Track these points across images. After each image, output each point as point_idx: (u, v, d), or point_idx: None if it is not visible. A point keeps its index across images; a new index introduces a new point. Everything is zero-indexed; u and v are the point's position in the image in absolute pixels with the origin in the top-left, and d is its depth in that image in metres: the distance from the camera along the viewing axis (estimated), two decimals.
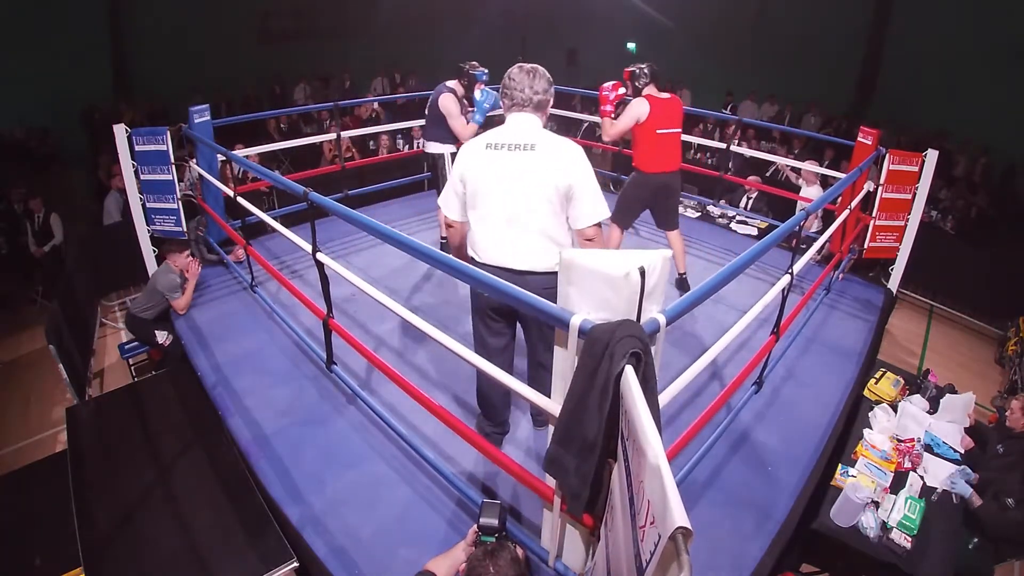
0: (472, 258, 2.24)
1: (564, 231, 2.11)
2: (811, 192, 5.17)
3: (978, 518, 2.65)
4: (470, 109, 3.97)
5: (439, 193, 4.23)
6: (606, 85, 3.71)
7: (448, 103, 3.89)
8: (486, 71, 4.01)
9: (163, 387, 3.19)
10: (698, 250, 4.83)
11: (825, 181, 5.20)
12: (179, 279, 3.66)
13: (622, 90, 3.72)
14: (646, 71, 3.60)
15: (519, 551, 1.52)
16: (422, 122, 6.68)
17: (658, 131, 3.55)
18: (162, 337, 3.70)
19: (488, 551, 1.40)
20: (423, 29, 11.85)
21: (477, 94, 3.90)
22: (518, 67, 2.14)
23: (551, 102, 2.18)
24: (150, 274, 3.93)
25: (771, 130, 8.11)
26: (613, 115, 3.68)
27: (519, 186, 2.03)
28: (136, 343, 4.19)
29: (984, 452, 3.02)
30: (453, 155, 4.16)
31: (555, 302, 1.60)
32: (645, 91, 3.60)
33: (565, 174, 2.01)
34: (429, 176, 5.96)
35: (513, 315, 2.28)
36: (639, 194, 3.79)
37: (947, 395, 3.36)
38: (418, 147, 6.92)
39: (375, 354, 2.63)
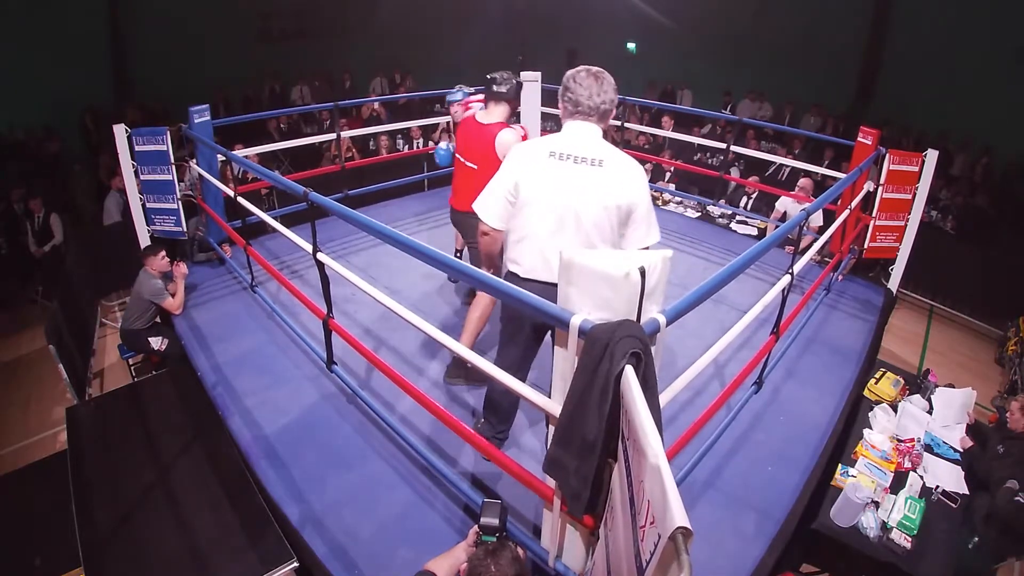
0: (513, 273, 2.10)
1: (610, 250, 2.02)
2: (791, 205, 5.17)
3: (993, 510, 2.66)
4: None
5: None
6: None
7: None
8: (460, 90, 3.74)
9: (163, 387, 3.19)
10: (698, 250, 4.83)
11: (823, 184, 5.20)
12: (161, 283, 3.65)
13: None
14: (488, 79, 2.91)
15: (519, 551, 1.52)
16: (422, 122, 6.75)
17: (457, 155, 3.04)
18: (156, 343, 3.68)
19: (489, 551, 1.40)
20: (423, 29, 11.84)
21: None
22: (585, 70, 1.95)
23: (614, 112, 2.00)
24: None
25: (770, 130, 8.11)
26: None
27: (579, 202, 1.91)
28: None
29: (984, 451, 3.02)
30: None
31: None
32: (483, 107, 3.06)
33: (629, 195, 1.91)
34: (429, 176, 5.98)
35: (545, 329, 2.17)
36: None
37: (944, 388, 3.35)
38: (418, 147, 6.93)
39: (375, 354, 2.63)
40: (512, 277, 2.09)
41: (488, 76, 2.88)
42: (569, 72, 1.98)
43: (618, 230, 1.97)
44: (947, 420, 3.22)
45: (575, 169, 1.91)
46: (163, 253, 3.69)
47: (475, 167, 2.86)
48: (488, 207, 2.07)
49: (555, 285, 1.75)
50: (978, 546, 2.70)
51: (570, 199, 1.92)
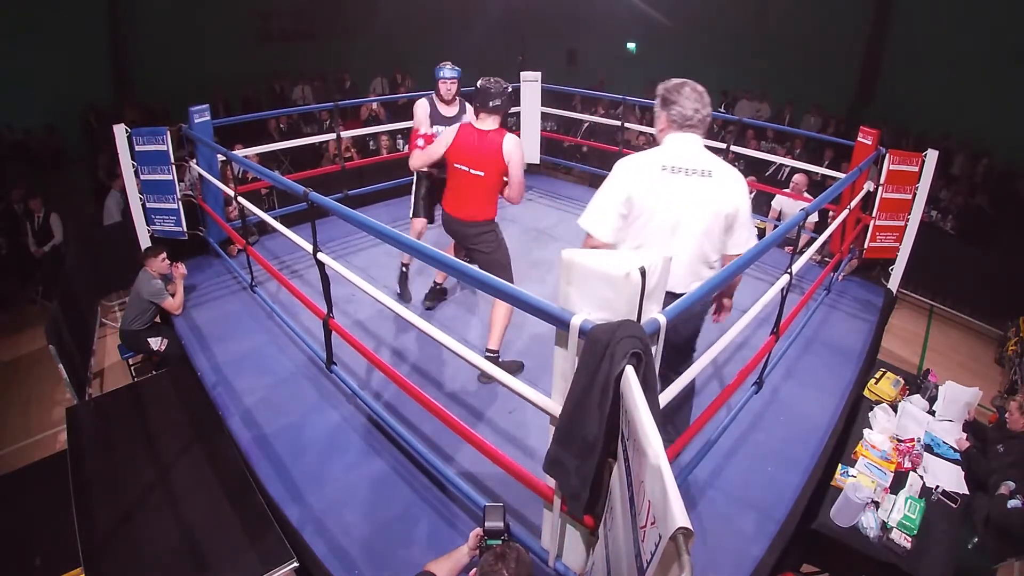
0: None
1: (715, 257, 2.08)
2: (787, 203, 5.17)
3: (1002, 522, 2.66)
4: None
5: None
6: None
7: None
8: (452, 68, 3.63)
9: (163, 387, 3.19)
10: None
11: (823, 184, 5.20)
12: (161, 283, 3.65)
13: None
14: (481, 89, 2.86)
15: (525, 553, 1.52)
16: None
17: (455, 165, 2.96)
18: (156, 343, 3.68)
19: (498, 554, 1.40)
20: (423, 29, 11.85)
21: None
22: (687, 85, 2.04)
23: None
24: None
25: (769, 130, 8.10)
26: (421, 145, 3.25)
27: (694, 212, 1.96)
28: None
29: (984, 451, 3.02)
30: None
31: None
32: (475, 117, 2.96)
33: (735, 202, 1.99)
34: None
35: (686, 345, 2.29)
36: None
37: (949, 383, 3.33)
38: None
39: (375, 354, 2.63)
40: None
41: (482, 86, 2.85)
42: (667, 86, 2.05)
43: (723, 236, 2.03)
44: (949, 415, 3.22)
45: (687, 181, 1.95)
46: (163, 255, 3.69)
47: (482, 174, 2.89)
48: (599, 223, 2.03)
49: (672, 295, 1.88)
50: (978, 546, 2.70)
51: (685, 210, 1.96)
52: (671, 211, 1.96)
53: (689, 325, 2.25)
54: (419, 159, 3.19)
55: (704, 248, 2.02)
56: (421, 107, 3.66)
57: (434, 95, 3.68)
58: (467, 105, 3.67)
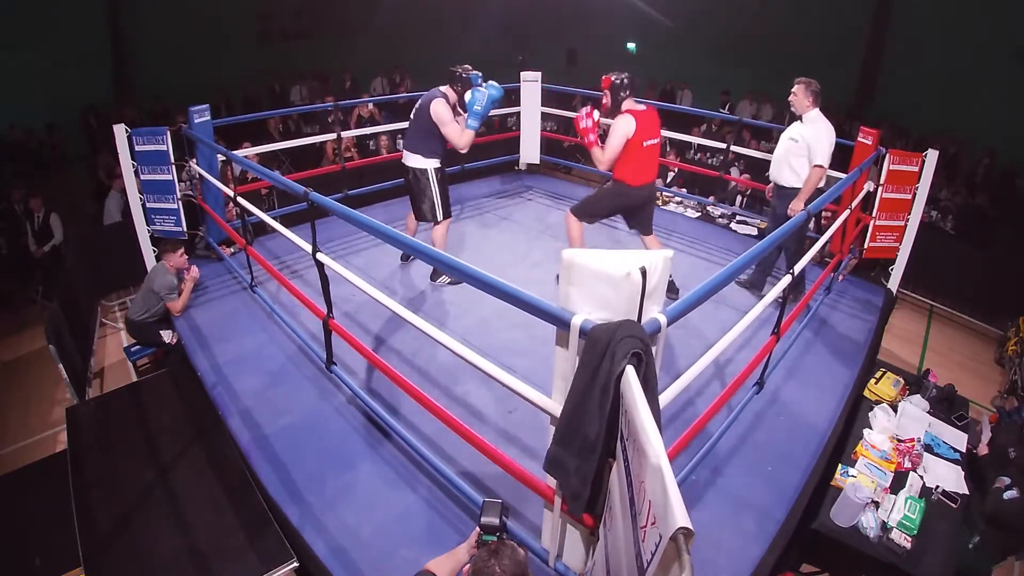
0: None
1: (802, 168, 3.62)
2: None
3: (997, 512, 2.68)
4: (461, 114, 3.72)
5: (422, 214, 3.84)
6: (580, 114, 3.49)
7: (441, 109, 3.58)
8: (480, 74, 3.72)
9: (163, 387, 3.20)
10: (698, 250, 4.83)
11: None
12: (175, 280, 3.65)
13: (597, 114, 3.52)
14: (626, 82, 3.46)
15: (520, 550, 1.52)
16: None
17: (645, 143, 3.48)
18: (167, 336, 3.69)
19: (492, 550, 1.40)
20: (423, 29, 11.86)
21: (468, 96, 3.60)
22: (810, 80, 3.75)
23: None
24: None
25: (771, 130, 8.08)
26: (599, 142, 3.53)
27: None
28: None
29: (989, 451, 3.02)
30: (437, 170, 3.76)
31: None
32: (625, 105, 3.47)
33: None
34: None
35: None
36: (618, 204, 3.73)
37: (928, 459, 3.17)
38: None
39: (375, 354, 2.63)
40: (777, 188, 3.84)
41: (631, 80, 3.50)
42: (804, 80, 3.82)
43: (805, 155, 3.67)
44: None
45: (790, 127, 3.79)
46: (182, 250, 3.72)
47: (658, 140, 3.61)
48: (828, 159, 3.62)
49: (780, 186, 3.79)
50: (978, 546, 2.70)
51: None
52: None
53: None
54: (609, 154, 3.49)
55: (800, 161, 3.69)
56: (446, 108, 3.66)
57: (451, 94, 3.72)
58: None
